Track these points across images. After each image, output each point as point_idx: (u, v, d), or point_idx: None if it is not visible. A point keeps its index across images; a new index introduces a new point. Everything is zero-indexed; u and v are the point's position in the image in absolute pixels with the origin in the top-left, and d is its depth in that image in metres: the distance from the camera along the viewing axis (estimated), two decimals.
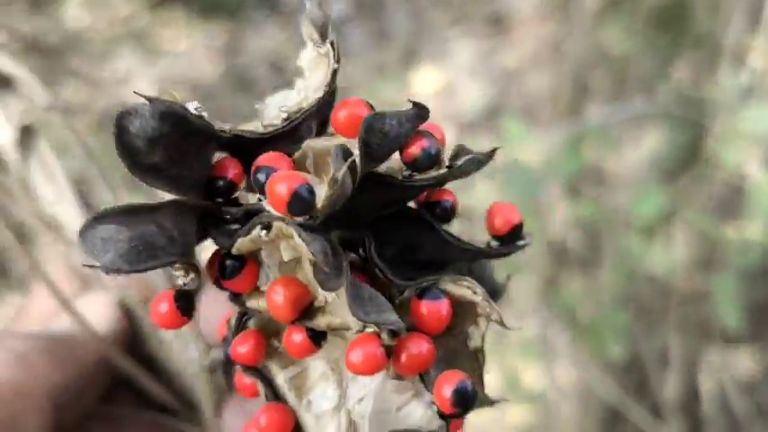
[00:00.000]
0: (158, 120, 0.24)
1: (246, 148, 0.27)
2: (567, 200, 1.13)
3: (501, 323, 0.26)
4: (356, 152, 0.24)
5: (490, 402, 0.29)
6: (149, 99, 0.24)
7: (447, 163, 0.26)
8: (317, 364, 0.29)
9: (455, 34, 2.33)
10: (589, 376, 1.25)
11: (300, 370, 0.29)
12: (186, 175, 0.26)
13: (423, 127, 0.27)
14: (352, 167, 0.23)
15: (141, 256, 0.25)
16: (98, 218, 0.25)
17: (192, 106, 0.25)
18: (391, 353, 0.25)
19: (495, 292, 0.30)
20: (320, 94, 0.27)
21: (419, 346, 0.25)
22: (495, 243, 0.29)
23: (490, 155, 0.28)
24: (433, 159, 0.25)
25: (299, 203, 0.23)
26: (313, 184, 0.24)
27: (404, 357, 0.24)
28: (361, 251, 0.28)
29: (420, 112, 0.25)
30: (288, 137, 0.27)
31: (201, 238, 0.28)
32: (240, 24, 2.37)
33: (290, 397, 0.29)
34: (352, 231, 0.28)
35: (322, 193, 0.24)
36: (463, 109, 2.08)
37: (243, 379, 0.30)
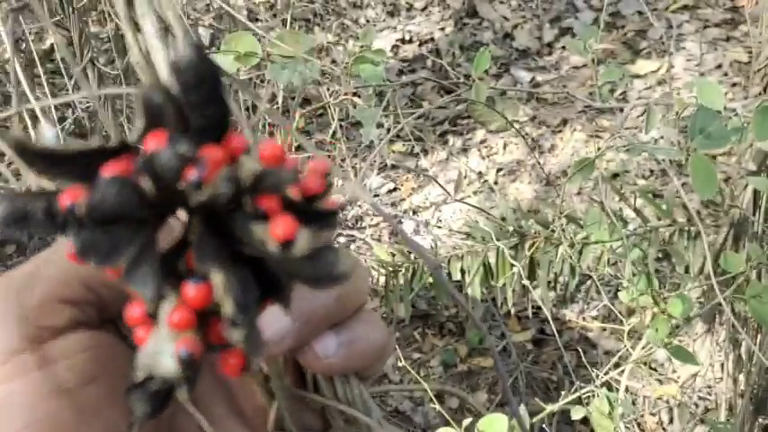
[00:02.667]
0: (13, 149, 0.29)
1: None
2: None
3: (230, 318, 0.28)
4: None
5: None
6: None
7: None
8: None
9: (685, 18, 2.29)
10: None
11: None
12: (80, 172, 0.30)
13: (264, 143, 0.30)
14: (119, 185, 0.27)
15: (10, 227, 0.29)
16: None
17: (45, 138, 0.30)
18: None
19: (331, 278, 0.29)
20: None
21: (172, 316, 0.29)
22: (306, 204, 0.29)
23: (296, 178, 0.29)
24: (199, 186, 0.28)
25: (69, 215, 0.28)
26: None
27: (169, 319, 0.30)
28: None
29: (184, 154, 0.28)
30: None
31: None
32: None
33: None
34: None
35: None
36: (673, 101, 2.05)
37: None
